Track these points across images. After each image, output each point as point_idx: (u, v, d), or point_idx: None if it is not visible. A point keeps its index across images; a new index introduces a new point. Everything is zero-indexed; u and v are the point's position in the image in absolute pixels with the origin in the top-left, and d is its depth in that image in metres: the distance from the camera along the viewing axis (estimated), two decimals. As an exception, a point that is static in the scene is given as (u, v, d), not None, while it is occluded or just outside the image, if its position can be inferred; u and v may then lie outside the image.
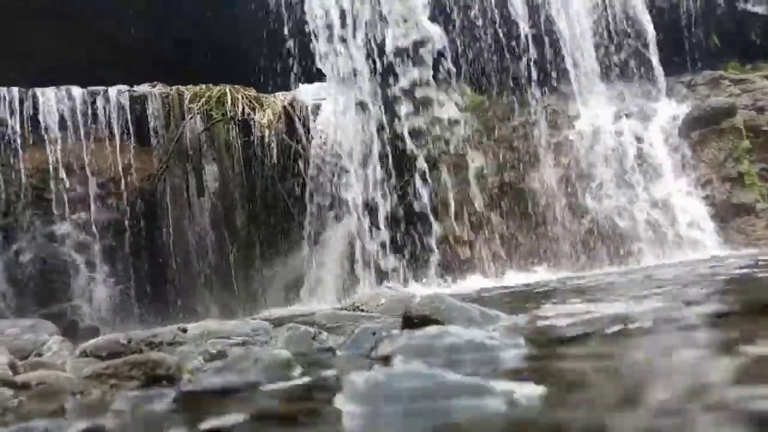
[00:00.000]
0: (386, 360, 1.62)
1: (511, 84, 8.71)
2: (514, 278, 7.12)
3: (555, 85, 8.64)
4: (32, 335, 3.60)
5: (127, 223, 8.09)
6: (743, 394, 1.07)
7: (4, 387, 1.94)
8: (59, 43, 7.67)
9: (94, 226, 7.89)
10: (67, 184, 7.82)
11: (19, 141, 7.70)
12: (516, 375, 1.45)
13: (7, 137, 7.62)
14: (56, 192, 7.79)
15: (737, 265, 4.69)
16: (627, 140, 7.96)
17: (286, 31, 8.45)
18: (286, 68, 8.45)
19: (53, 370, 2.23)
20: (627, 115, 8.20)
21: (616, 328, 1.92)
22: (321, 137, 8.42)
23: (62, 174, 7.80)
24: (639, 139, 7.96)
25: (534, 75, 8.58)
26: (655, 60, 8.59)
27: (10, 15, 7.65)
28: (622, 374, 1.39)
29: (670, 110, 8.17)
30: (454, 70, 8.36)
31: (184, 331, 3.00)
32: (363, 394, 1.26)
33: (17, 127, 7.71)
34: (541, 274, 7.25)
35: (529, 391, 1.22)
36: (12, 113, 7.70)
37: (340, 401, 1.27)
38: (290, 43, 8.43)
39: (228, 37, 8.55)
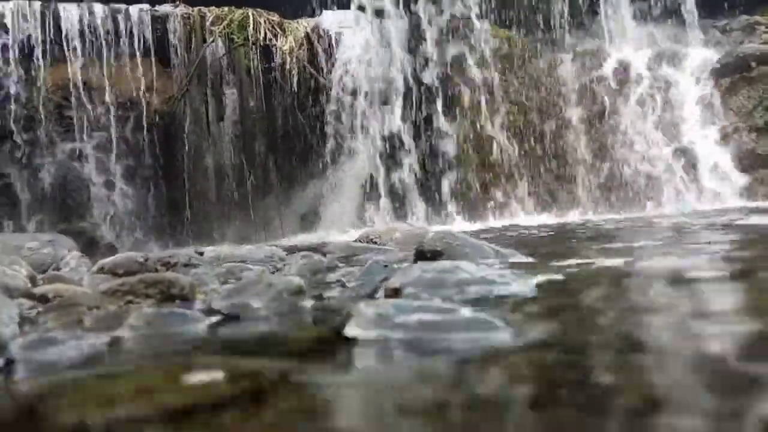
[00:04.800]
0: (397, 292, 1.63)
1: (540, 22, 8.49)
2: (533, 219, 7.13)
3: (585, 24, 8.42)
4: (51, 250, 3.65)
5: (146, 144, 8.09)
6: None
7: (23, 298, 1.99)
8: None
9: (113, 146, 7.91)
10: (88, 102, 7.81)
11: (40, 56, 7.65)
12: (525, 311, 1.46)
13: (29, 52, 7.57)
14: (77, 109, 7.78)
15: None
16: (655, 84, 7.79)
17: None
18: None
19: (71, 284, 2.27)
20: (657, 58, 7.99)
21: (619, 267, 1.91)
22: (343, 66, 8.30)
23: (83, 92, 7.77)
24: (668, 84, 7.78)
25: (564, 14, 8.35)
26: (690, 2, 8.32)
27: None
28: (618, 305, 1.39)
29: (702, 55, 7.96)
30: (482, 5, 8.15)
31: (201, 254, 3.05)
32: (372, 323, 1.28)
33: (39, 42, 7.64)
34: (559, 216, 7.24)
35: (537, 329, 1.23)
36: (34, 28, 7.62)
37: (349, 330, 1.28)
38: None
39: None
